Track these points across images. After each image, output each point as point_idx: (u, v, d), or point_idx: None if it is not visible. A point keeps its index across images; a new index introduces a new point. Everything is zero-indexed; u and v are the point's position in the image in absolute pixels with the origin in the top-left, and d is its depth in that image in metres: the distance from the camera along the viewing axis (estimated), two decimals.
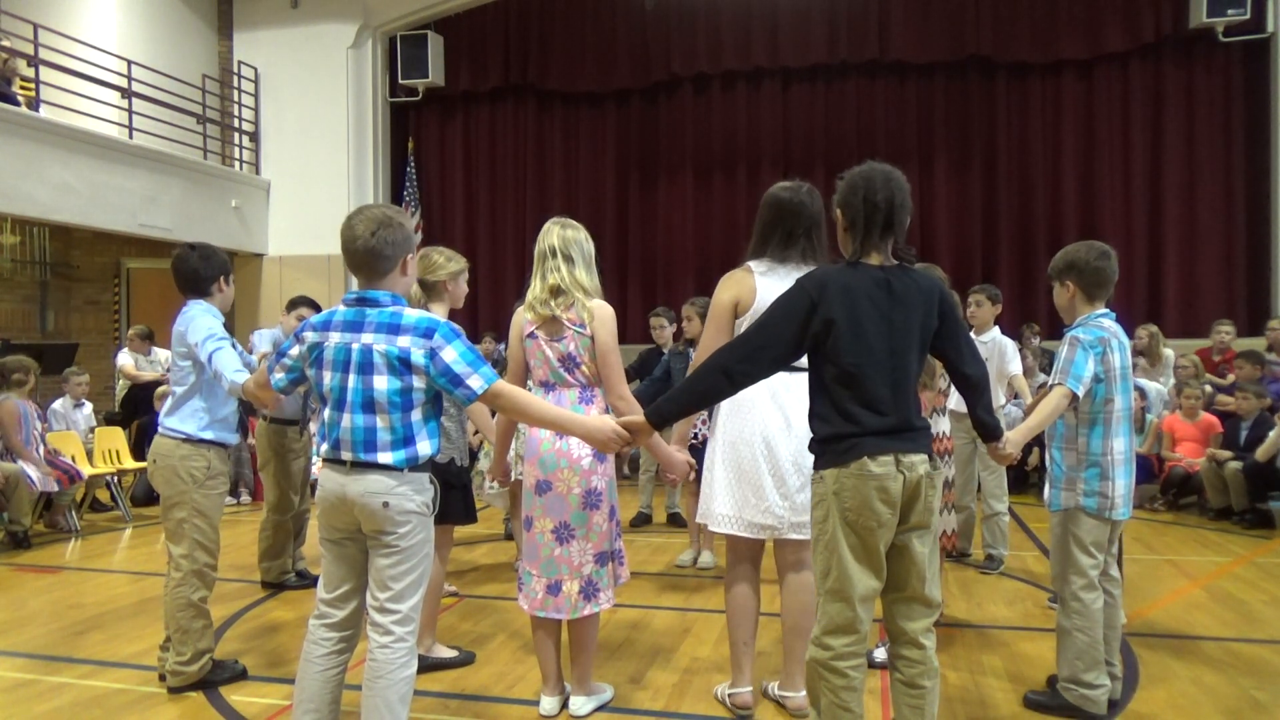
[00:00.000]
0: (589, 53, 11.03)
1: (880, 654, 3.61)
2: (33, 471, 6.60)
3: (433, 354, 2.53)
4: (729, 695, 3.36)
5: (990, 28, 10.03)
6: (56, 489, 6.82)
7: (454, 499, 3.77)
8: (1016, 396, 5.80)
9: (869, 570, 2.40)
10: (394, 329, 2.56)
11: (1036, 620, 4.51)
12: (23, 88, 8.64)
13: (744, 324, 3.15)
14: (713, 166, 10.81)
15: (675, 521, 6.90)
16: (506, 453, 3.64)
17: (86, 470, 7.30)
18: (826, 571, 2.43)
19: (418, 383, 2.56)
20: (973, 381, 2.64)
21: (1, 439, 6.60)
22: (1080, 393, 3.19)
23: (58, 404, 7.91)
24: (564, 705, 3.38)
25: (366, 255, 2.59)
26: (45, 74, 8.66)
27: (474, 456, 5.46)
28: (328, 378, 2.62)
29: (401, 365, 2.54)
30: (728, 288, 3.20)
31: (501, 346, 7.13)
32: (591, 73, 11.05)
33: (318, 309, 5.09)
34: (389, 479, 2.56)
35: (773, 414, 3.15)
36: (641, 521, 6.91)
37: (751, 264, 3.22)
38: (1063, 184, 10.10)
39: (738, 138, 10.83)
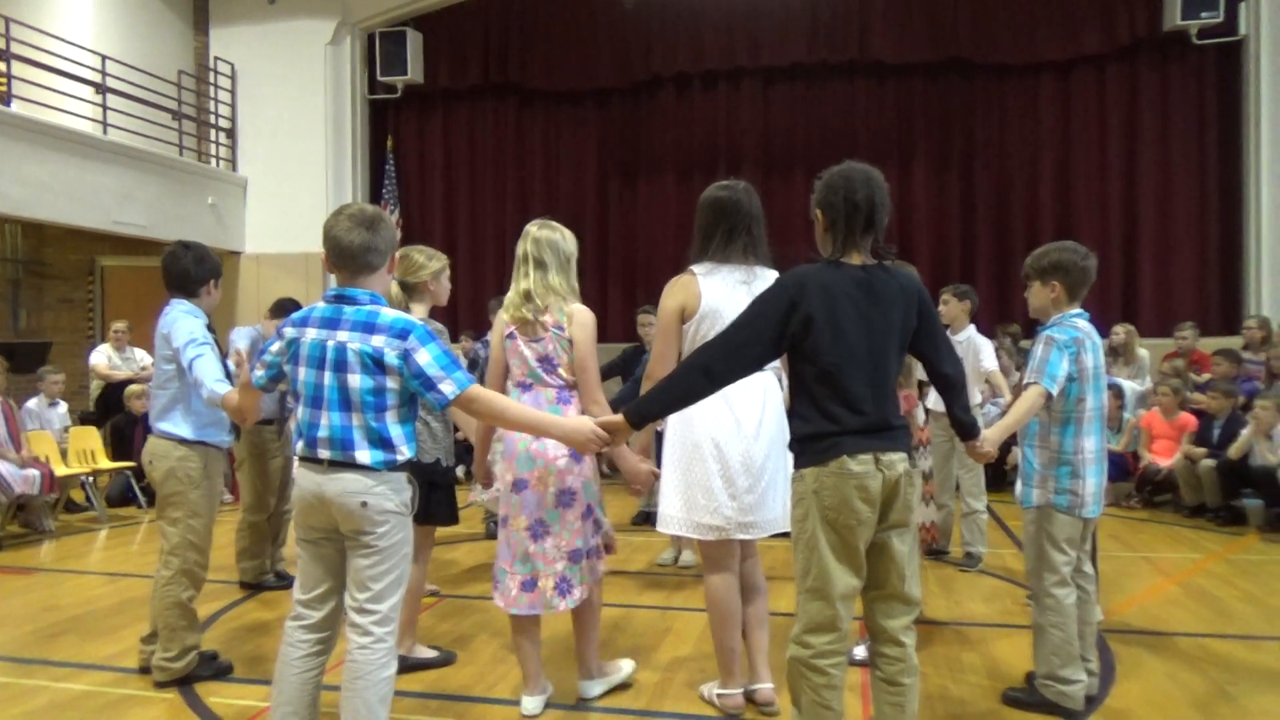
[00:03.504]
0: (570, 51, 11.00)
1: (860, 651, 3.63)
2: (5, 470, 6.51)
3: (406, 355, 2.52)
4: (718, 696, 3.37)
5: (969, 29, 10.10)
6: (36, 491, 6.73)
7: (438, 499, 3.77)
8: (995, 395, 5.85)
9: (849, 568, 2.42)
10: (369, 328, 2.55)
11: (1015, 617, 4.55)
12: None
13: (691, 328, 3.19)
14: (694, 166, 10.82)
15: (648, 521, 6.88)
16: (486, 454, 3.62)
17: (61, 470, 7.21)
18: (806, 570, 2.45)
19: (391, 383, 2.55)
20: (950, 380, 2.66)
21: None
22: (1054, 392, 3.22)
23: (32, 403, 7.82)
24: (546, 704, 3.39)
25: (357, 252, 2.58)
26: (17, 68, 8.54)
27: (460, 458, 5.44)
28: (303, 374, 2.61)
29: (375, 365, 2.53)
30: (673, 294, 3.23)
31: (478, 345, 7.10)
32: (572, 71, 11.02)
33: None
34: (367, 479, 2.55)
35: (722, 414, 3.17)
36: (642, 520, 6.90)
37: (694, 267, 3.26)
38: (1040, 184, 10.19)
39: (718, 137, 10.85)
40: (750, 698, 3.36)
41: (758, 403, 3.20)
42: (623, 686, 3.57)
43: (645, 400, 2.62)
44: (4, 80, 8.52)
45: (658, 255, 10.74)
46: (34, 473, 6.71)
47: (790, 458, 3.21)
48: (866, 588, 2.49)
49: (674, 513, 3.26)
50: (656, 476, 3.33)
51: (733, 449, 3.16)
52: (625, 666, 3.63)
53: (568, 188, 11.24)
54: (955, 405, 2.72)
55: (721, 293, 3.17)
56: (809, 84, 10.66)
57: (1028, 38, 9.98)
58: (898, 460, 2.42)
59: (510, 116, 11.40)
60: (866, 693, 3.31)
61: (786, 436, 3.24)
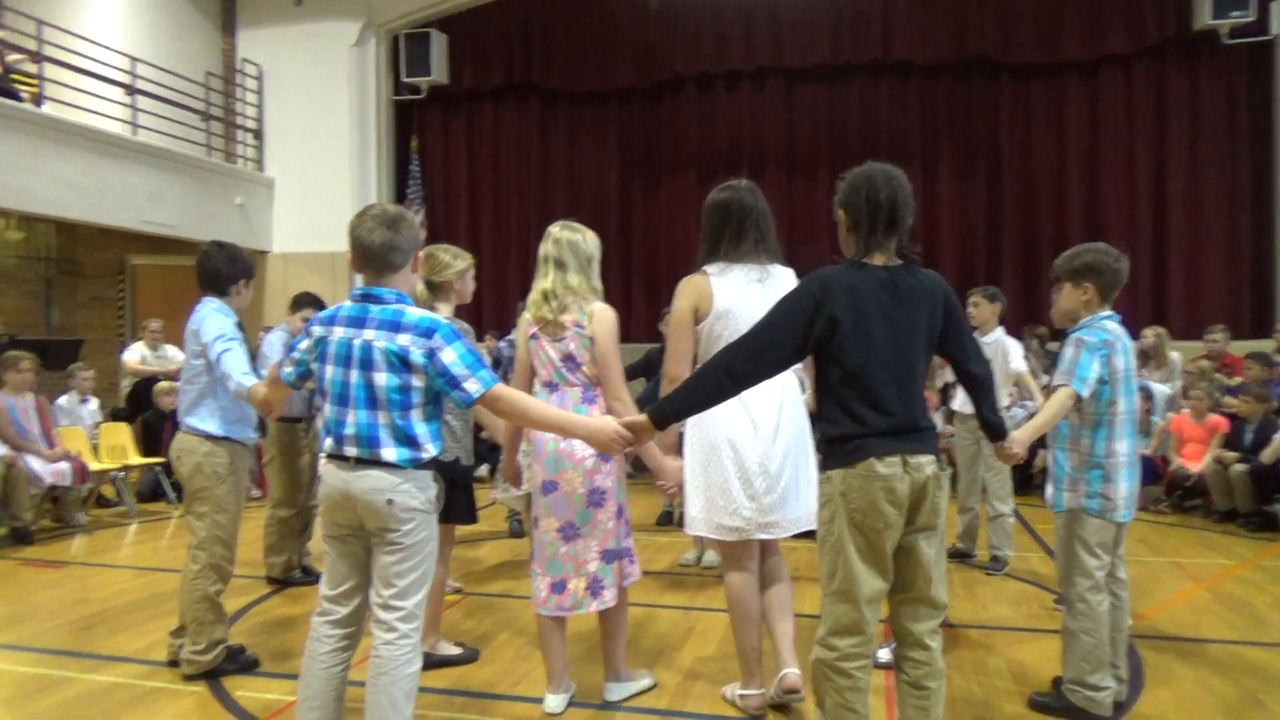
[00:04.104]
0: (592, 52, 11.02)
1: (885, 654, 3.60)
2: (36, 464, 6.61)
3: (432, 354, 2.54)
4: (740, 696, 3.36)
5: (994, 28, 10.02)
6: (68, 484, 6.83)
7: (457, 498, 3.78)
8: (1023, 398, 5.80)
9: (875, 571, 2.40)
10: (395, 326, 2.56)
11: (1041, 621, 4.50)
12: (26, 84, 8.65)
13: (705, 328, 3.19)
14: (716, 166, 10.79)
15: (670, 521, 6.88)
16: (515, 454, 3.63)
17: (93, 465, 7.30)
18: (832, 572, 2.43)
19: (416, 381, 2.56)
20: (978, 380, 2.64)
21: None
22: (1085, 394, 3.18)
23: (63, 399, 7.91)
24: (569, 703, 3.39)
25: (379, 252, 2.60)
26: (49, 70, 8.66)
27: (483, 457, 5.45)
28: (330, 372, 2.62)
29: (400, 363, 2.54)
30: (686, 294, 3.23)
31: (503, 344, 7.12)
32: (595, 72, 11.04)
33: (321, 306, 5.11)
34: (393, 476, 2.56)
35: (738, 416, 3.16)
36: (665, 520, 6.89)
37: (706, 267, 3.25)
38: (1067, 185, 10.09)
39: (741, 137, 10.83)
40: (777, 685, 3.34)
41: (775, 405, 3.19)
42: (645, 690, 3.56)
43: (669, 400, 2.61)
44: (36, 82, 8.64)
45: (680, 255, 10.72)
46: (64, 466, 6.81)
47: (813, 458, 3.21)
48: (893, 591, 2.47)
49: (695, 513, 3.26)
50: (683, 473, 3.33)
51: (749, 451, 3.16)
52: (647, 679, 3.61)
53: (591, 188, 11.25)
54: (983, 406, 2.70)
55: (735, 292, 3.17)
56: (833, 84, 10.62)
57: (1053, 37, 9.89)
58: (926, 462, 2.40)
59: (533, 117, 11.43)
60: (891, 696, 3.29)
61: (806, 438, 3.25)
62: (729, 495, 3.17)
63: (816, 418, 2.53)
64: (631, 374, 6.54)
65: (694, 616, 4.62)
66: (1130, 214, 9.91)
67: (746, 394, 3.03)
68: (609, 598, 3.28)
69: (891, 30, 10.26)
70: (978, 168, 10.32)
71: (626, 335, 3.49)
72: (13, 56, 8.60)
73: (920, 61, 10.26)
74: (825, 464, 2.47)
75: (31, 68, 8.72)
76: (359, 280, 2.71)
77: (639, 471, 8.94)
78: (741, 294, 3.16)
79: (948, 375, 5.95)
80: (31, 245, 10.65)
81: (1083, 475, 3.26)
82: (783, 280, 3.21)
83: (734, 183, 3.31)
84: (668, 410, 2.59)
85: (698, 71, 10.80)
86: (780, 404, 3.20)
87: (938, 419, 4.08)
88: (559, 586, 3.25)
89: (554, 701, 3.35)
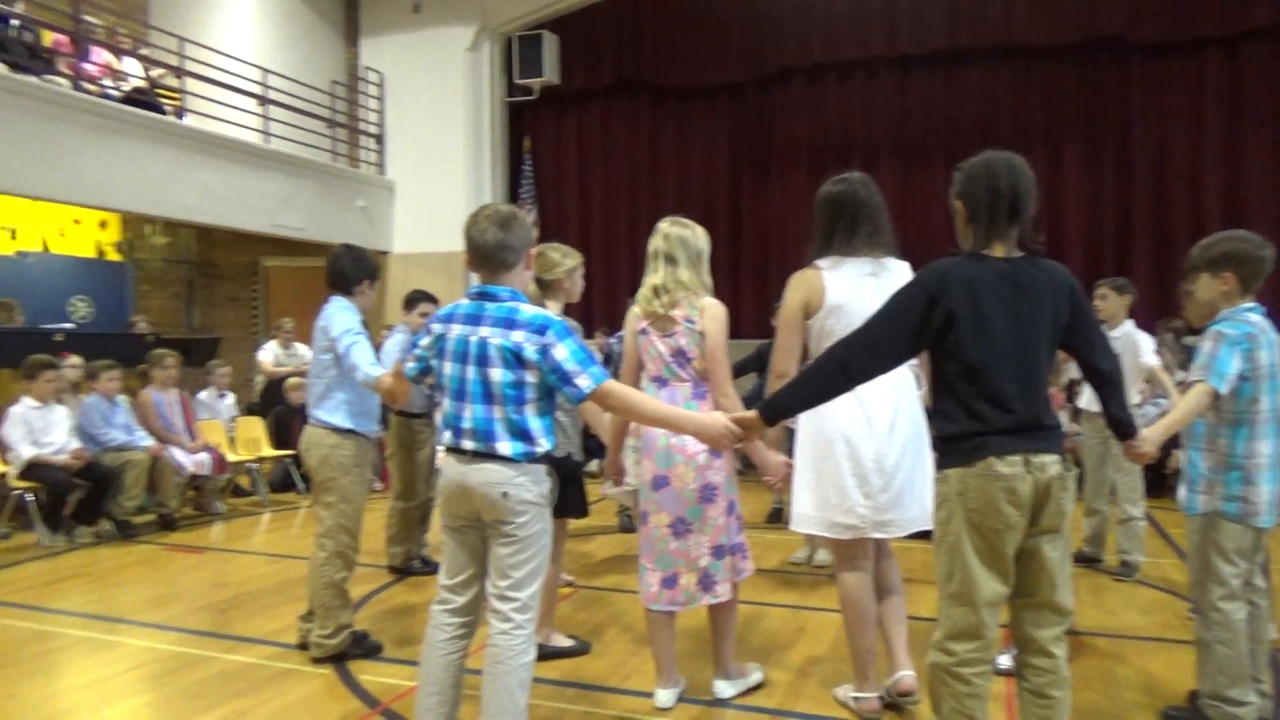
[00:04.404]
0: (702, 47, 10.99)
1: (1005, 660, 3.48)
2: (180, 455, 7.05)
3: (544, 350, 2.58)
4: (854, 699, 3.30)
5: (1124, 5, 9.49)
6: (208, 473, 7.26)
7: (569, 493, 3.84)
8: (1155, 395, 5.50)
9: (995, 574, 2.32)
10: (509, 324, 2.62)
11: (1175, 631, 4.27)
12: (169, 98, 9.21)
13: (816, 324, 3.14)
14: (827, 159, 10.61)
15: (779, 518, 6.81)
16: (620, 450, 3.66)
17: (230, 457, 7.74)
18: (950, 574, 2.36)
19: (530, 377, 2.61)
20: (1107, 376, 2.52)
21: (144, 426, 7.06)
22: (1225, 390, 2.99)
23: (203, 394, 8.39)
24: (679, 697, 3.41)
25: (493, 251, 2.67)
26: (189, 84, 9.20)
27: (593, 453, 5.51)
28: (448, 368, 2.70)
29: (514, 359, 2.60)
30: (796, 288, 3.18)
31: (613, 340, 7.18)
32: (704, 67, 11.01)
33: (434, 302, 5.29)
34: (508, 469, 2.62)
35: (854, 412, 3.10)
36: (775, 517, 6.85)
37: (818, 262, 3.19)
38: (1204, 171, 9.48)
39: (853, 129, 10.62)
40: (891, 688, 3.28)
41: (890, 401, 3.12)
42: (755, 688, 3.55)
43: (779, 396, 2.58)
44: (179, 96, 9.20)
45: (790, 250, 10.58)
46: (205, 457, 7.24)
47: (929, 455, 3.13)
48: (1014, 595, 2.38)
49: (807, 511, 3.21)
50: (790, 468, 3.29)
51: (865, 448, 3.09)
52: (757, 673, 3.60)
53: (700, 183, 11.24)
54: (1112, 403, 2.57)
55: (848, 286, 3.11)
56: (949, 71, 10.29)
57: (1188, 12, 9.29)
58: (1050, 462, 2.30)
59: (643, 114, 11.49)
60: (1012, 704, 3.18)
61: (923, 435, 3.16)
62: (843, 493, 3.11)
63: (932, 414, 2.46)
64: (744, 369, 6.51)
65: (805, 616, 4.56)
66: (1276, 199, 9.25)
67: (862, 389, 2.98)
68: (722, 592, 3.28)
69: (1012, 13, 9.86)
70: (1106, 153, 9.82)
71: (736, 330, 3.47)
72: (156, 72, 9.18)
73: (1043, 44, 9.82)
74: (942, 463, 2.40)
75: (174, 82, 9.29)
76: (475, 279, 2.78)
77: (748, 468, 8.93)
78: (854, 288, 3.10)
79: (1073, 371, 5.70)
80: (175, 249, 11.33)
81: (1220, 477, 3.07)
82: (897, 274, 3.13)
83: (847, 175, 3.25)
84: (777, 406, 2.56)
85: (808, 64, 10.64)
86: (896, 400, 3.13)
87: (1064, 418, 3.90)
88: (670, 582, 3.27)
89: (664, 696, 3.36)
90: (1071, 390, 6.53)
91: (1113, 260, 9.64)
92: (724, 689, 3.44)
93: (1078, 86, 9.87)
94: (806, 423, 3.21)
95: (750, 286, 10.90)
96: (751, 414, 2.62)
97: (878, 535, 3.15)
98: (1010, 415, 2.30)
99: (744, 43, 10.82)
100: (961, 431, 2.34)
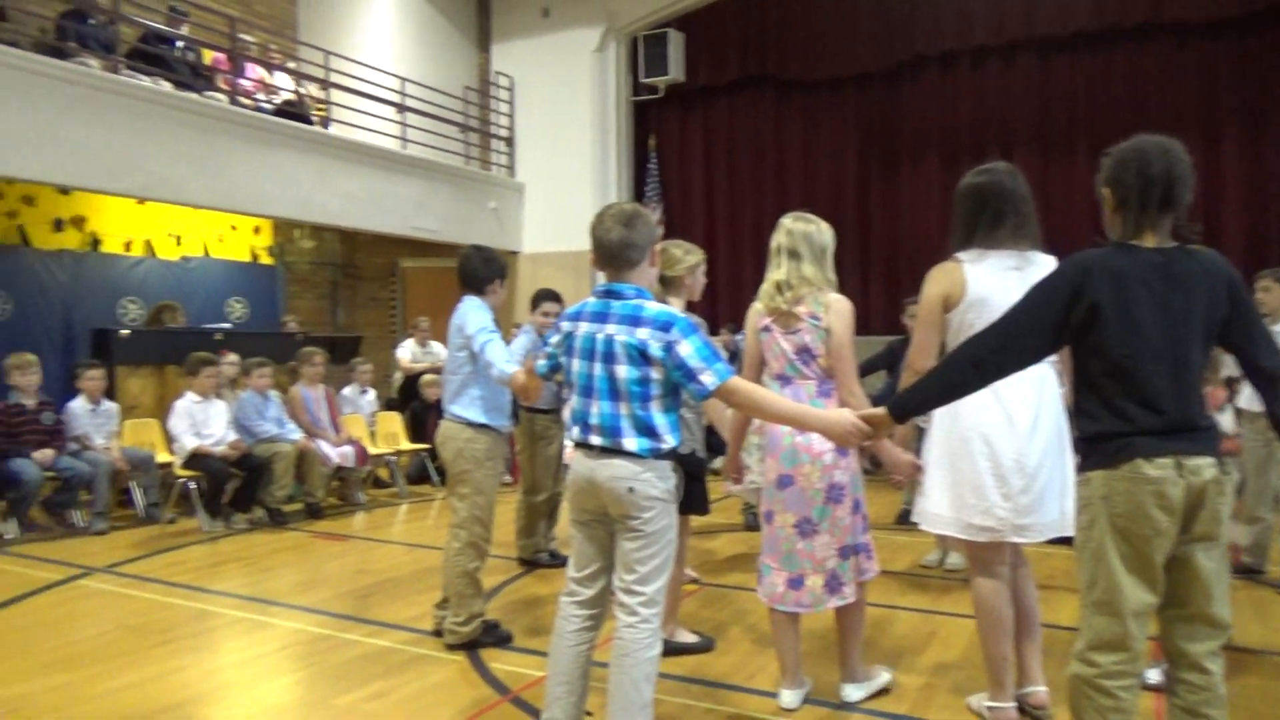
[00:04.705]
0: (829, 38, 10.80)
1: (1155, 675, 3.29)
2: (327, 448, 7.44)
3: (669, 347, 2.59)
4: (988, 708, 3.18)
5: None
6: (351, 465, 7.64)
7: (693, 490, 3.84)
8: None
9: (1142, 583, 2.19)
10: (634, 321, 2.65)
11: None
12: (316, 108, 9.73)
13: (955, 318, 3.02)
14: (960, 149, 10.26)
15: (908, 520, 6.62)
16: (740, 448, 3.63)
17: (370, 450, 8.11)
18: (1092, 582, 2.24)
19: (655, 374, 2.63)
20: (1270, 374, 2.34)
21: (293, 419, 7.48)
22: None
23: (346, 390, 8.82)
24: (805, 699, 3.37)
25: (617, 249, 2.70)
26: (333, 94, 9.69)
27: (717, 449, 5.51)
28: (576, 365, 2.75)
29: (640, 356, 2.62)
30: (936, 281, 3.07)
31: (738, 337, 7.16)
32: (831, 58, 10.82)
33: (557, 300, 5.38)
34: (634, 465, 2.64)
35: (993, 409, 2.97)
36: (905, 519, 6.68)
37: (960, 254, 3.07)
38: None
39: (989, 117, 10.22)
40: (1023, 702, 3.15)
41: (1033, 398, 2.98)
42: (883, 691, 3.47)
43: (909, 393, 2.51)
44: (325, 106, 9.70)
45: (921, 244, 10.29)
46: (348, 449, 7.61)
47: (1070, 457, 2.98)
48: (1165, 605, 2.24)
49: (941, 511, 3.11)
50: (918, 469, 3.20)
51: (1005, 447, 2.97)
52: (884, 674, 3.52)
53: (826, 178, 11.05)
54: (1276, 402, 2.38)
55: (991, 280, 2.99)
56: (1093, 53, 9.76)
57: None
58: (1204, 465, 2.16)
59: (768, 109, 11.38)
60: None
61: (1064, 435, 3.01)
62: (981, 493, 3.00)
63: (1074, 413, 2.35)
64: (872, 366, 6.37)
65: (936, 620, 4.43)
66: None
67: (1001, 386, 2.88)
68: (848, 593, 3.22)
69: None
70: (1269, 135, 9.10)
71: (864, 327, 3.40)
72: (306, 87, 9.70)
73: (1198, 19, 9.20)
74: (1084, 464, 2.29)
75: (320, 93, 9.80)
76: (601, 277, 2.82)
77: (876, 468, 8.73)
78: (997, 282, 2.98)
79: (1233, 368, 5.32)
80: (321, 252, 11.96)
81: None
82: (1042, 267, 2.99)
83: (992, 165, 3.13)
84: (907, 403, 2.49)
85: (940, 50, 10.31)
86: (1039, 398, 2.99)
87: (1226, 419, 3.63)
88: (796, 582, 3.23)
89: (789, 697, 3.33)
90: (1231, 388, 6.10)
91: (1276, 250, 8.93)
92: (851, 692, 3.38)
93: (1236, 64, 9.19)
94: (941, 420, 3.11)
95: (880, 282, 10.65)
96: (880, 411, 2.56)
97: (1016, 540, 3.02)
98: (1160, 416, 2.16)
99: (873, 31, 10.57)
100: (1106, 431, 2.21)
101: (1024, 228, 3.05)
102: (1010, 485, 2.96)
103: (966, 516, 3.03)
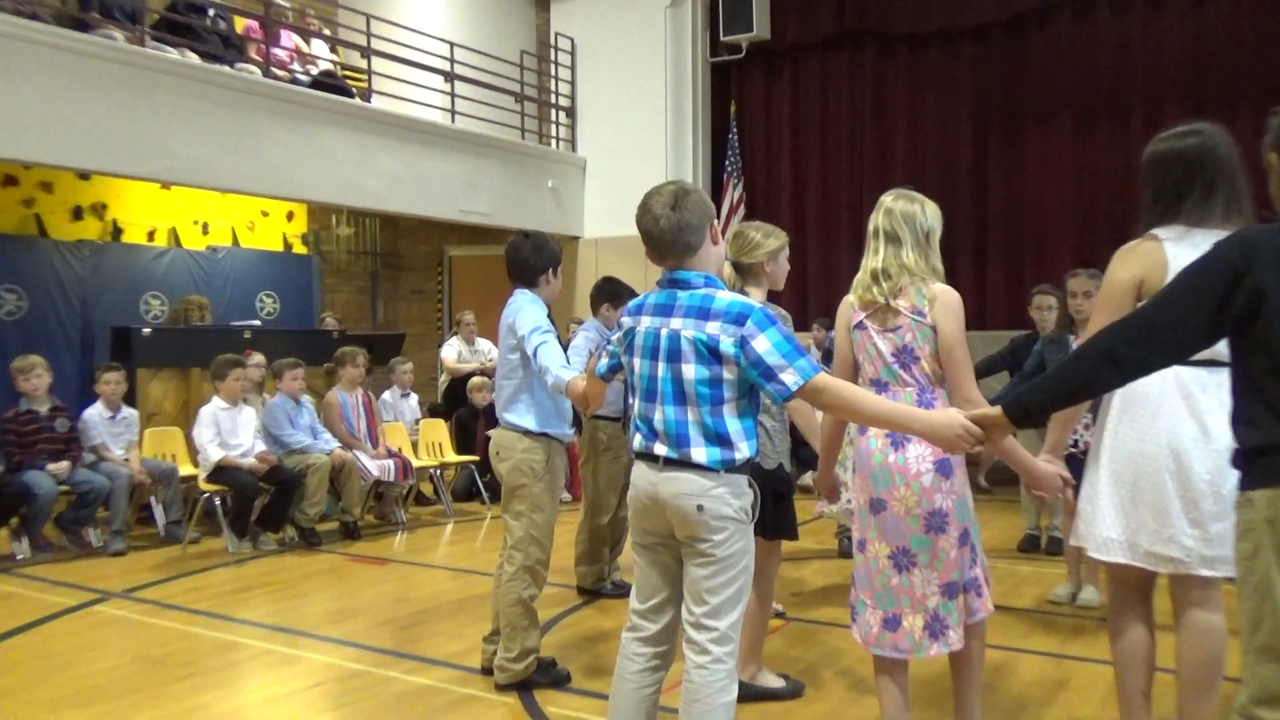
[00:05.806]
0: None
1: None
2: (365, 460, 7.56)
3: (743, 343, 2.55)
4: None
5: None
6: (391, 478, 7.75)
7: (781, 511, 3.79)
8: None
9: None
10: (704, 313, 2.61)
11: None
12: (355, 79, 9.93)
13: None
14: (1098, 109, 9.97)
15: (1035, 547, 6.46)
16: (834, 463, 3.55)
17: (414, 462, 8.21)
18: (1257, 623, 2.13)
19: (727, 374, 2.59)
20: None
21: (329, 428, 7.62)
22: None
23: (387, 394, 8.97)
24: None
25: (670, 236, 2.67)
26: (375, 64, 9.89)
27: (806, 464, 5.45)
28: (637, 365, 2.74)
29: (710, 353, 2.59)
30: (1128, 263, 2.93)
31: (832, 334, 7.07)
32: (943, 8, 10.62)
33: (618, 291, 5.37)
34: (704, 480, 2.61)
35: (1184, 419, 2.84)
36: (1030, 546, 6.52)
37: (1157, 231, 2.92)
38: None
39: (1132, 70, 9.91)
40: None
41: (1228, 405, 2.85)
42: None
43: (1030, 391, 2.43)
44: (365, 77, 9.90)
45: (1051, 224, 10.03)
46: (389, 462, 7.72)
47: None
48: None
49: (1114, 535, 2.98)
50: (1067, 482, 3.08)
51: (1198, 465, 2.84)
52: None
53: (937, 147, 10.85)
54: None
55: None
56: None
57: None
58: None
59: (868, 69, 11.24)
60: None
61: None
62: (1165, 518, 2.86)
63: (1232, 421, 2.24)
64: (991, 367, 6.23)
65: (1068, 667, 4.30)
66: None
67: (1196, 392, 2.79)
68: (954, 639, 3.12)
69: None
70: None
71: (980, 321, 3.33)
72: (346, 56, 9.91)
73: None
74: (1245, 481, 2.18)
75: (361, 62, 10.01)
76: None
77: (993, 485, 8.56)
78: None
79: None
80: (360, 240, 12.23)
81: None
82: None
83: (1199, 126, 2.98)
84: (1027, 402, 2.41)
85: None
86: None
87: None
88: (893, 623, 3.14)
89: None
90: None
91: None
92: None
93: None
94: (1117, 427, 2.99)
95: (999, 269, 10.39)
96: (994, 411, 2.49)
97: (1205, 573, 2.88)
98: None
99: None
100: (1271, 443, 2.11)
101: (1238, 203, 2.91)
102: (1201, 510, 2.83)
103: (1146, 543, 2.91)
